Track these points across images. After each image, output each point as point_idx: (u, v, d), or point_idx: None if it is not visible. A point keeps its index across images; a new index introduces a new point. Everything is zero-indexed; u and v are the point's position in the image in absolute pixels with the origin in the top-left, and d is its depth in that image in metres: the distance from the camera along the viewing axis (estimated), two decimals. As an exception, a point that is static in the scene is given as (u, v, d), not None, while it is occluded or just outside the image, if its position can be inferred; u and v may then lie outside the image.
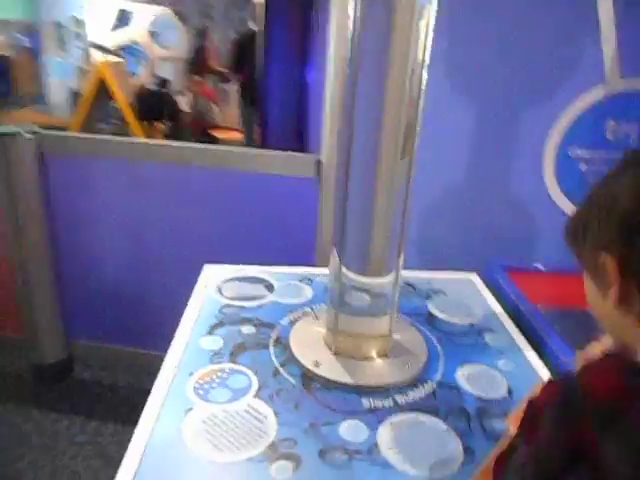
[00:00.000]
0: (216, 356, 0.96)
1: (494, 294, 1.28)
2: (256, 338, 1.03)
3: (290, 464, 0.73)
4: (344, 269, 0.93)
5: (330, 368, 0.93)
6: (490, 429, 0.82)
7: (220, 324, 1.07)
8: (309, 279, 1.30)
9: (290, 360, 0.96)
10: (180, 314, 1.11)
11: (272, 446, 0.76)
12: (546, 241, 1.46)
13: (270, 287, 1.25)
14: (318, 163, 1.43)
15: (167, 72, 4.99)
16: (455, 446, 0.78)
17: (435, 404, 0.87)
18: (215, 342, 1.01)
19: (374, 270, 0.92)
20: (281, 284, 1.26)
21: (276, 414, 0.83)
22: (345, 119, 0.86)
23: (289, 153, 1.49)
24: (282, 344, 1.01)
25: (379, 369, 0.94)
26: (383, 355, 0.97)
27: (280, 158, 1.49)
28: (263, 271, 1.32)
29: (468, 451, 0.78)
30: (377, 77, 0.81)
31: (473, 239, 1.52)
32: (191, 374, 0.91)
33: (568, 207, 1.42)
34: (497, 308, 1.22)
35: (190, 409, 0.83)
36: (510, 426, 0.78)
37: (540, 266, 1.41)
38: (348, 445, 0.77)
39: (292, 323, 1.09)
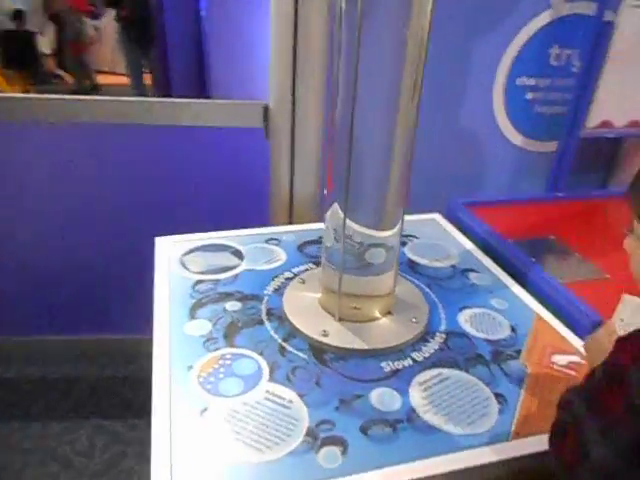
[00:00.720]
0: (210, 342, 0.86)
1: (462, 232, 1.29)
2: (245, 314, 0.93)
3: (337, 449, 0.68)
4: (353, 225, 0.84)
5: (339, 335, 0.87)
6: (510, 371, 0.83)
7: (199, 304, 0.96)
8: (275, 239, 1.20)
9: (293, 333, 0.89)
10: (122, 294, 0.97)
11: (310, 433, 0.70)
12: (497, 173, 1.49)
13: (238, 254, 1.14)
14: (266, 110, 1.30)
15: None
16: (486, 395, 0.78)
17: (452, 355, 0.86)
18: (202, 326, 0.90)
19: (386, 222, 0.85)
20: (248, 249, 1.15)
21: (301, 396, 0.76)
22: (346, 58, 0.74)
23: (231, 101, 1.32)
24: (277, 316, 0.93)
25: (388, 329, 0.90)
26: (387, 313, 0.93)
27: (218, 107, 1.32)
28: (223, 237, 1.20)
29: (500, 398, 0.78)
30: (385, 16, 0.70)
31: (427, 179, 1.50)
32: (190, 368, 0.80)
33: (517, 138, 1.45)
34: (469, 245, 1.23)
35: (205, 409, 0.73)
36: (586, 353, 0.76)
37: (497, 198, 1.44)
38: (386, 415, 0.73)
39: (278, 291, 1.00)
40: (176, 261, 1.09)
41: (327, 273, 0.93)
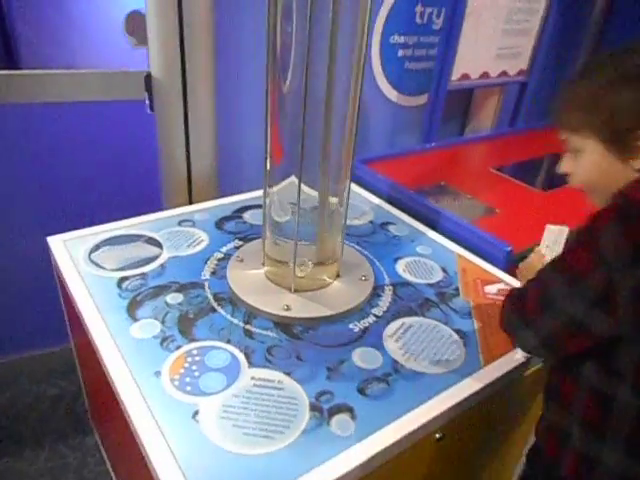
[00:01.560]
0: (166, 342, 0.78)
1: (365, 188, 1.34)
2: (192, 304, 0.86)
3: (345, 416, 0.68)
4: (311, 192, 0.82)
5: (302, 306, 0.85)
6: (457, 308, 0.91)
7: (135, 303, 0.85)
8: (189, 220, 1.11)
9: (252, 314, 0.85)
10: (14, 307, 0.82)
11: (314, 407, 0.69)
12: (379, 130, 1.56)
13: (154, 242, 1.03)
14: (148, 78, 1.15)
15: None
16: (448, 333, 0.85)
17: (405, 304, 0.91)
18: (150, 326, 0.80)
19: (338, 186, 0.84)
20: (163, 235, 1.05)
21: (288, 374, 0.74)
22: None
23: (107, 71, 1.14)
24: (227, 300, 0.88)
25: (344, 291, 0.91)
26: (336, 277, 0.94)
27: (87, 78, 1.13)
28: (128, 225, 1.07)
29: (459, 333, 0.85)
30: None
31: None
32: (158, 374, 0.72)
33: (393, 94, 1.52)
34: (377, 200, 1.29)
35: (196, 412, 0.67)
36: (520, 276, 0.87)
37: (386, 153, 1.51)
38: (375, 373, 0.75)
39: (216, 274, 0.94)
40: (84, 260, 0.95)
41: (275, 247, 0.90)
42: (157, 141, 1.24)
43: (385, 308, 0.90)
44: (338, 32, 0.71)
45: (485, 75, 1.64)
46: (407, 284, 0.97)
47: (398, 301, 0.92)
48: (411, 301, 0.92)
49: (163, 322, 0.81)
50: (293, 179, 0.82)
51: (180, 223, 1.10)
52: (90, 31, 2.01)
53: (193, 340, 0.78)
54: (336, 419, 0.68)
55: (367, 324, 0.85)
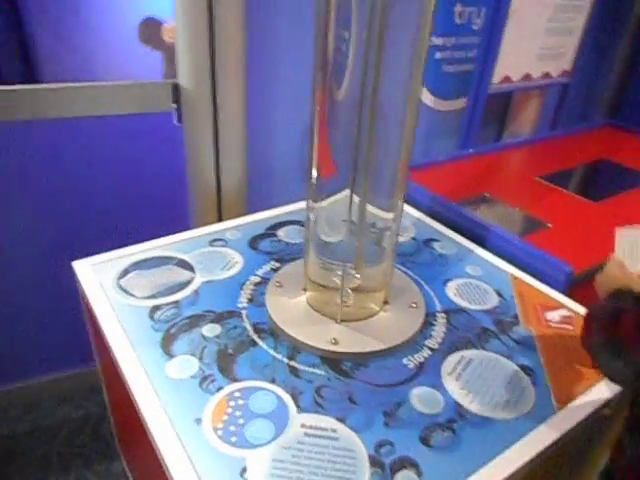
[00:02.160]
0: (206, 382, 0.71)
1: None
2: (231, 337, 0.79)
3: (411, 472, 0.61)
4: (372, 209, 0.74)
5: (350, 339, 0.78)
6: (519, 338, 0.83)
7: (170, 337, 0.78)
8: (221, 240, 1.05)
9: (297, 348, 0.77)
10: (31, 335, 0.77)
11: (375, 462, 0.62)
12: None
13: (185, 264, 0.96)
14: (176, 89, 1.09)
15: None
16: (513, 369, 0.77)
17: (462, 335, 0.83)
18: (187, 364, 0.74)
19: (392, 200, 0.77)
20: (194, 256, 0.98)
21: (342, 421, 0.66)
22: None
23: (128, 82, 1.08)
24: (268, 331, 0.81)
25: (394, 320, 0.83)
26: (385, 303, 0.86)
27: (113, 91, 1.08)
28: (156, 247, 1.01)
29: (526, 370, 0.77)
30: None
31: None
32: (199, 421, 0.65)
33: (429, 99, 1.44)
34: (417, 214, 1.21)
35: (244, 469, 0.60)
36: (599, 289, 0.78)
37: (424, 162, 1.43)
38: (437, 418, 0.68)
39: (253, 301, 0.87)
40: (113, 287, 0.89)
41: (320, 270, 0.83)
42: (185, 155, 1.18)
43: (440, 340, 0.82)
44: (396, 38, 0.64)
45: (527, 77, 1.55)
46: (461, 311, 0.89)
47: (453, 331, 0.84)
48: (467, 331, 0.84)
49: (201, 359, 0.75)
50: (345, 193, 0.74)
51: (211, 243, 1.04)
52: (106, 37, 1.97)
53: (235, 380, 0.72)
54: (401, 477, 0.60)
55: (422, 359, 0.78)
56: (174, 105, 1.11)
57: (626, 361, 0.57)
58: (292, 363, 0.75)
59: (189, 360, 0.75)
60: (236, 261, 0.98)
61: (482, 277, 0.98)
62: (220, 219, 1.23)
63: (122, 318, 0.82)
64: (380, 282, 0.82)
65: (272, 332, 0.81)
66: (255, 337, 0.80)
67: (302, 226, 1.12)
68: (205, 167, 1.17)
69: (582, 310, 0.90)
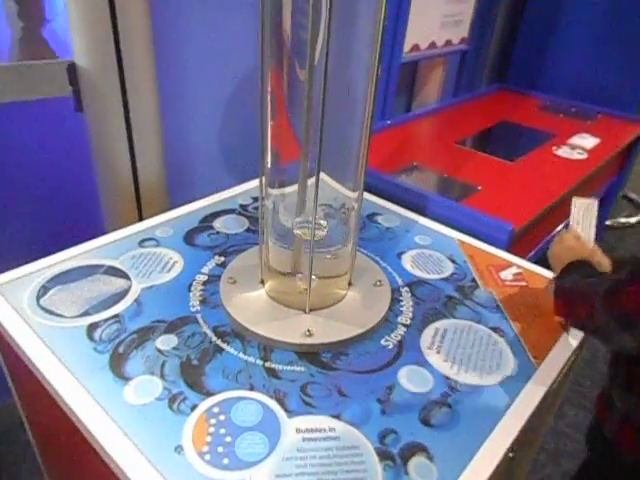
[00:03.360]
0: (176, 402, 0.62)
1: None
2: (191, 345, 0.70)
3: (422, 458, 0.58)
4: (340, 188, 0.68)
5: (323, 329, 0.73)
6: (483, 302, 0.83)
7: (119, 357, 0.67)
8: (151, 239, 0.93)
9: (269, 347, 0.70)
10: None
11: (383, 454, 0.57)
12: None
13: (116, 271, 0.84)
14: (72, 70, 0.92)
15: None
16: (487, 333, 0.77)
17: (429, 307, 0.81)
18: (148, 386, 0.64)
19: (355, 179, 0.71)
20: (126, 261, 0.86)
21: (337, 417, 0.61)
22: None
23: (19, 63, 0.88)
24: (231, 333, 0.72)
25: (363, 303, 0.79)
26: (348, 286, 0.81)
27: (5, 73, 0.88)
28: (79, 255, 0.87)
29: (497, 331, 0.77)
30: None
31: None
32: (179, 448, 0.56)
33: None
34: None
35: (247, 493, 0.53)
36: (554, 260, 0.77)
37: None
38: (431, 395, 0.65)
39: (206, 302, 0.78)
40: (32, 310, 0.74)
41: (282, 258, 0.76)
42: (90, 147, 1.02)
43: (411, 315, 0.80)
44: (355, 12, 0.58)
45: (433, 45, 1.57)
46: (422, 282, 0.87)
47: (421, 304, 0.82)
48: (434, 301, 0.83)
49: (163, 377, 0.65)
50: (306, 175, 0.68)
51: (141, 244, 0.92)
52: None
53: (208, 394, 0.63)
54: (413, 464, 0.57)
55: (399, 337, 0.75)
56: (71, 88, 0.95)
57: (635, 334, 0.58)
58: (268, 364, 0.68)
59: (150, 380, 0.64)
60: (175, 261, 0.88)
61: (432, 246, 0.98)
62: (141, 218, 1.10)
63: (53, 344, 0.69)
64: (346, 264, 0.78)
65: (237, 333, 0.73)
66: (219, 342, 0.71)
67: (238, 215, 1.03)
68: (117, 161, 1.03)
69: (528, 265, 0.94)
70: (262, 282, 0.81)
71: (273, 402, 0.63)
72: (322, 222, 0.74)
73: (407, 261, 0.93)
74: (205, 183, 1.12)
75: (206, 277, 0.84)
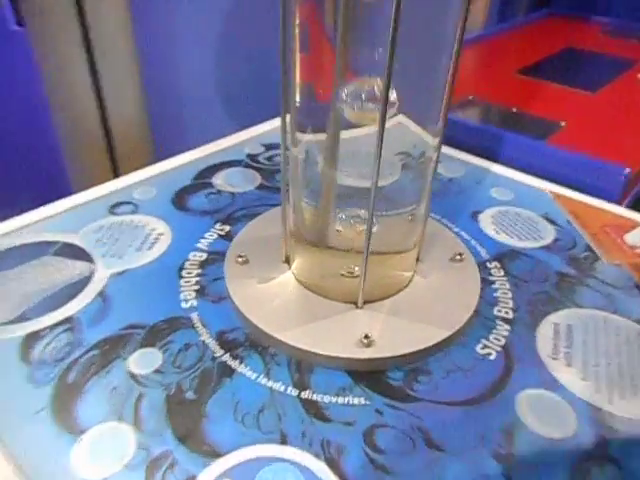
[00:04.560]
0: (160, 470, 0.37)
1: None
2: (184, 366, 0.44)
3: None
4: (417, 128, 0.42)
5: (389, 334, 0.47)
6: (613, 280, 0.57)
7: (66, 392, 0.42)
8: (126, 203, 0.66)
9: (305, 367, 0.45)
10: None
11: None
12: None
13: (76, 251, 0.58)
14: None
15: None
16: (637, 329, 0.51)
17: (539, 289, 0.55)
18: (112, 440, 0.38)
19: (434, 121, 0.44)
20: (89, 236, 0.60)
21: (440, 447, 0.36)
22: None
23: None
24: (246, 344, 0.47)
25: (439, 288, 0.53)
26: (414, 265, 0.55)
27: None
28: (24, 227, 0.61)
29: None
30: None
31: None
32: None
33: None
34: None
35: None
36: None
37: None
38: (577, 442, 0.40)
39: (206, 294, 0.52)
40: (-57, 314, 0.49)
41: (318, 225, 0.49)
42: (40, 79, 0.75)
43: (511, 304, 0.53)
44: None
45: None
46: (515, 253, 0.61)
47: (522, 286, 0.56)
48: (540, 282, 0.56)
49: (138, 424, 0.40)
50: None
51: (112, 210, 0.65)
52: None
53: (214, 454, 0.38)
54: None
55: (503, 340, 0.49)
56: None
57: None
58: (306, 394, 0.43)
59: (115, 432, 0.39)
60: (159, 233, 0.61)
61: (516, 201, 0.71)
62: (116, 176, 0.83)
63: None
64: (417, 233, 0.51)
65: (254, 343, 0.47)
66: (227, 358, 0.45)
67: (246, 167, 0.76)
68: (77, 99, 0.75)
69: (657, 224, 0.67)
70: (287, 260, 0.55)
71: (321, 465, 0.37)
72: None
73: (487, 223, 0.66)
74: (201, 129, 0.85)
75: (204, 255, 0.58)
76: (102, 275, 0.54)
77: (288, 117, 0.45)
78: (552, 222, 0.66)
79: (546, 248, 0.61)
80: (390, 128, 0.40)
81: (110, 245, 0.58)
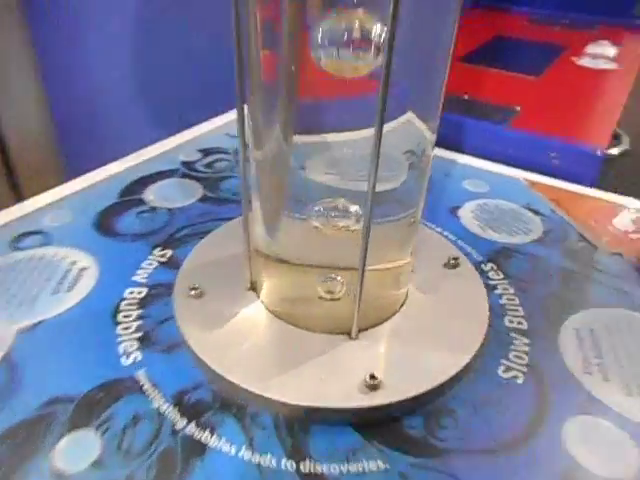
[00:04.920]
0: None
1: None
2: (134, 450, 0.32)
3: None
4: (419, 124, 0.33)
5: (397, 370, 0.37)
6: (620, 272, 0.51)
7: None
8: (34, 233, 0.52)
9: (299, 427, 0.34)
10: None
11: None
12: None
13: (-36, 303, 0.43)
14: None
15: None
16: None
17: (545, 291, 0.48)
18: None
19: (436, 116, 0.35)
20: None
21: None
22: None
23: None
24: (217, 406, 0.35)
25: (440, 303, 0.44)
26: (406, 281, 0.46)
27: None
28: None
29: None
30: None
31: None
32: None
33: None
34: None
35: None
36: None
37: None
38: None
39: (154, 342, 0.40)
40: None
41: (295, 240, 0.39)
42: None
43: (521, 311, 0.46)
44: None
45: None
46: (509, 251, 0.54)
47: (526, 288, 0.48)
48: (544, 281, 0.49)
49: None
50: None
51: (15, 243, 0.51)
52: None
53: None
54: None
55: (523, 357, 0.41)
56: None
57: None
58: (308, 467, 0.32)
59: None
60: (81, 267, 0.48)
61: (493, 193, 0.64)
62: (19, 199, 0.68)
63: None
64: (412, 242, 0.42)
65: (225, 403, 0.36)
66: (194, 430, 0.34)
67: (183, 177, 0.64)
68: None
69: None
70: (252, 287, 0.44)
71: None
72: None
73: (469, 219, 0.58)
74: (120, 138, 0.72)
75: (144, 291, 0.46)
76: (5, 333, 0.40)
77: (246, 109, 0.35)
78: (536, 212, 0.60)
79: (539, 242, 0.55)
80: (398, 125, 0.31)
81: (15, 291, 0.45)
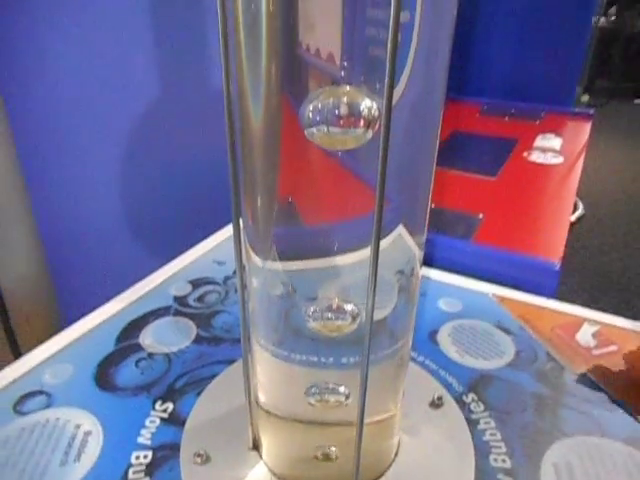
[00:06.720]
0: None
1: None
2: None
3: None
4: (409, 239, 0.36)
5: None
6: (583, 393, 0.56)
7: None
8: (39, 393, 0.54)
9: None
10: None
11: None
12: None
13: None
14: None
15: None
16: (633, 454, 0.49)
17: (523, 420, 0.52)
18: None
19: (418, 230, 0.39)
20: (-10, 455, 0.47)
21: None
22: None
23: None
24: None
25: (430, 451, 0.47)
26: (398, 428, 0.49)
27: None
28: None
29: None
30: None
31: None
32: None
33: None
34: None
35: None
36: None
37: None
38: None
39: (164, 516, 0.42)
40: None
41: (291, 399, 0.42)
42: None
43: (504, 447, 0.49)
44: None
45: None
46: (486, 378, 0.58)
47: (505, 420, 0.52)
48: (521, 411, 0.54)
49: None
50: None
51: (19, 407, 0.53)
52: None
53: None
54: None
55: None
56: None
57: None
58: None
59: None
60: (86, 431, 0.50)
61: (466, 312, 0.70)
62: (18, 355, 0.69)
63: None
64: (403, 381, 0.46)
65: None
66: None
67: (176, 315, 0.67)
68: None
69: (596, 315, 0.69)
70: (255, 446, 0.46)
71: None
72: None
73: (447, 344, 0.63)
74: (109, 284, 0.75)
75: (149, 454, 0.48)
76: (19, 518, 0.42)
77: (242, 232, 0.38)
78: (507, 331, 0.66)
79: (512, 366, 0.60)
80: (388, 244, 0.34)
81: (22, 465, 0.46)
